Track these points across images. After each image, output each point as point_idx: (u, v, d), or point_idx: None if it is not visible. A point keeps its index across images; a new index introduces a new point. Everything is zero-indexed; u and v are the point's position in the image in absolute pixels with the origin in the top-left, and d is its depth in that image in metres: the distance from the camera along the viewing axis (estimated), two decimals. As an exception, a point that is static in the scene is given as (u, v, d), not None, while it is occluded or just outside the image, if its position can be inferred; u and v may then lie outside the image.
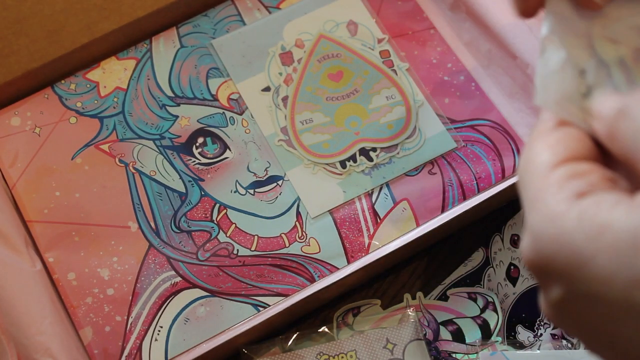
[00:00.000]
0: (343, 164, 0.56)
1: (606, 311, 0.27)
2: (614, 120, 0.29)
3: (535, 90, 0.32)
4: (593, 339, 0.28)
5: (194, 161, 0.57)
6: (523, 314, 0.57)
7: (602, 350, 0.28)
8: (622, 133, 0.28)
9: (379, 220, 0.55)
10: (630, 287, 0.26)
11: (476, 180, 0.56)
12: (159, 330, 0.52)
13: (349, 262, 0.54)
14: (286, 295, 0.53)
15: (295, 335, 0.56)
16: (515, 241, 0.59)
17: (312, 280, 0.54)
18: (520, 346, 0.56)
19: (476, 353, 0.56)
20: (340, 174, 0.56)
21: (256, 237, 0.55)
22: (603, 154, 0.30)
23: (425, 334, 0.56)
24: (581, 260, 0.27)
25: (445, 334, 0.57)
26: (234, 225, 0.55)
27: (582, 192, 0.28)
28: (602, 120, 0.30)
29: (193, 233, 0.55)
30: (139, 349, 0.52)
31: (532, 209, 0.29)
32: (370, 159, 0.57)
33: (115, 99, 0.58)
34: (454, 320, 0.57)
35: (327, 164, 0.57)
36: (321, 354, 0.55)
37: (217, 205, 0.56)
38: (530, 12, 0.35)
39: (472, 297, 0.58)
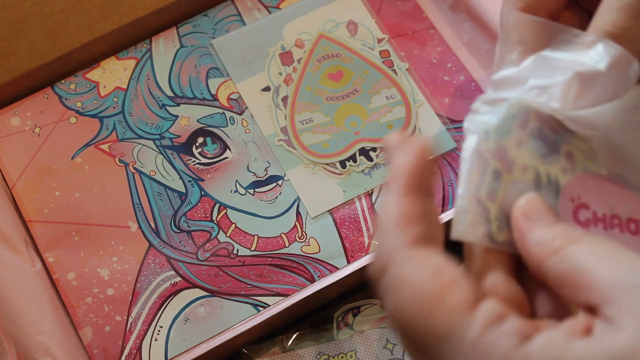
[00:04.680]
0: (343, 163, 0.56)
1: None
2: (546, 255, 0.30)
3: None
4: None
5: (194, 161, 0.57)
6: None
7: None
8: (552, 267, 0.30)
9: (379, 220, 0.55)
10: None
11: (476, 180, 0.56)
12: (159, 330, 0.52)
13: (349, 262, 0.54)
14: (286, 295, 0.53)
15: (295, 335, 0.56)
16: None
17: (312, 280, 0.54)
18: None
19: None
20: (340, 174, 0.56)
21: (256, 237, 0.55)
22: None
23: (425, 334, 0.56)
24: None
25: (445, 334, 0.57)
26: (233, 225, 0.55)
27: None
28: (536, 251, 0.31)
29: (193, 233, 0.55)
30: (139, 348, 0.52)
31: None
32: (370, 159, 0.57)
33: (115, 99, 0.58)
34: (454, 320, 0.57)
35: (327, 163, 0.56)
36: (321, 354, 0.55)
37: (217, 205, 0.56)
38: None
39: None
